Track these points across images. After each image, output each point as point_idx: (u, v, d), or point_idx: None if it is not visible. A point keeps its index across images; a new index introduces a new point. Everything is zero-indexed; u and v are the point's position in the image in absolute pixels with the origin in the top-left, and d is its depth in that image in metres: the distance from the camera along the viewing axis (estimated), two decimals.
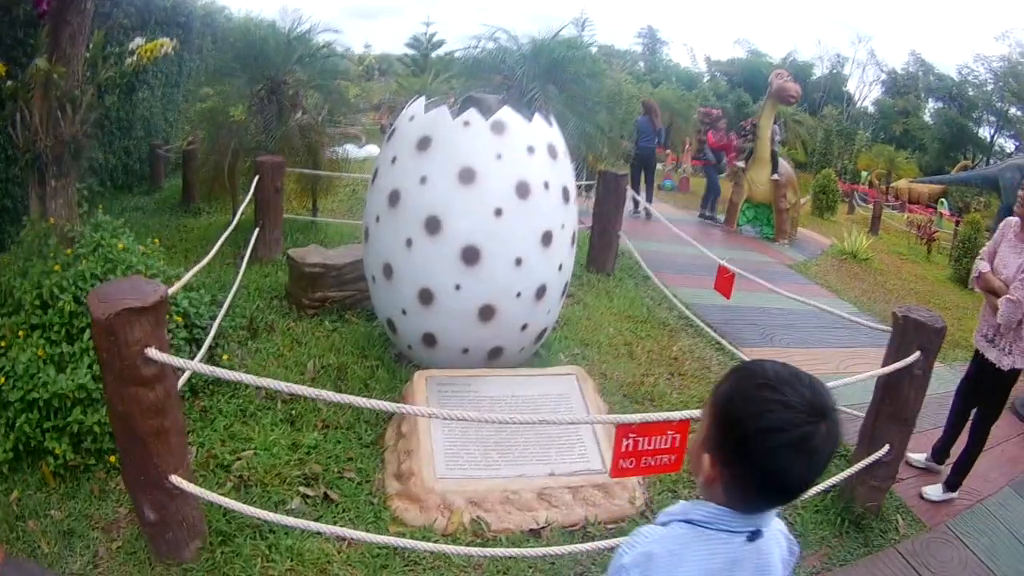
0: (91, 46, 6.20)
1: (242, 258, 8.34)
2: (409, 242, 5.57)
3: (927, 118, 47.83)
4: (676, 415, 3.65)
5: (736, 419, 1.52)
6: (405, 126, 5.88)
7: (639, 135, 15.85)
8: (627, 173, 11.19)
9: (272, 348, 6.66)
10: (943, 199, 28.45)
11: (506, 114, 5.67)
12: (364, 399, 3.49)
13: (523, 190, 5.56)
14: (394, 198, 5.67)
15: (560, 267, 6.03)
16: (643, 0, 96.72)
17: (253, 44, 10.40)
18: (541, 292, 5.86)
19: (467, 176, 5.46)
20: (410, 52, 48.24)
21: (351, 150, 18.18)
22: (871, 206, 23.86)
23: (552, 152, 5.90)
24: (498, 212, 5.48)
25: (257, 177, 8.86)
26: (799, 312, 10.03)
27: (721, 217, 17.10)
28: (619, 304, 9.17)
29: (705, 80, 48.07)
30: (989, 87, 43.84)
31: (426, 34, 48.22)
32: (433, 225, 5.48)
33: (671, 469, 3.79)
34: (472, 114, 5.62)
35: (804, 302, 7.51)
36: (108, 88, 7.67)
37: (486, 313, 5.68)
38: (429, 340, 5.88)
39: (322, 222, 11.37)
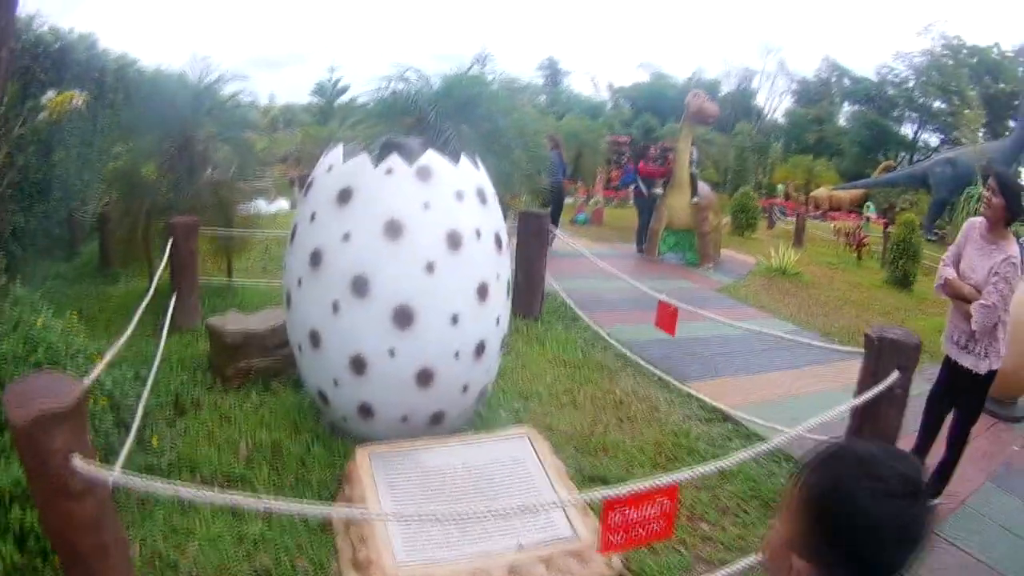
0: (4, 100, 5.54)
1: (161, 327, 7.72)
2: (335, 306, 5.03)
3: (843, 122, 48.32)
4: (664, 479, 3.41)
5: (837, 516, 1.38)
6: (323, 178, 5.37)
7: (552, 170, 15.38)
8: (548, 212, 10.62)
9: (201, 427, 6.13)
10: (868, 203, 28.50)
11: (431, 158, 5.20)
12: (325, 507, 3.50)
13: (454, 240, 5.08)
14: (316, 258, 5.13)
15: (498, 320, 5.56)
16: (543, 32, 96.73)
17: (161, 97, 9.76)
18: (480, 349, 5.38)
19: (394, 229, 4.95)
20: (315, 100, 47.71)
21: (262, 205, 17.69)
22: (792, 219, 24.06)
23: (481, 196, 5.44)
24: (429, 267, 4.98)
25: (171, 240, 8.27)
26: (738, 338, 9.66)
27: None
28: (553, 349, 8.60)
29: (609, 108, 47.73)
30: (911, 83, 44.28)
31: (331, 80, 47.72)
32: (360, 285, 4.95)
33: (662, 536, 3.55)
34: (395, 160, 5.12)
35: (740, 328, 7.31)
36: (21, 146, 7.10)
37: (424, 377, 5.15)
38: (365, 411, 5.33)
39: (238, 284, 10.70)
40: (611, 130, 35.13)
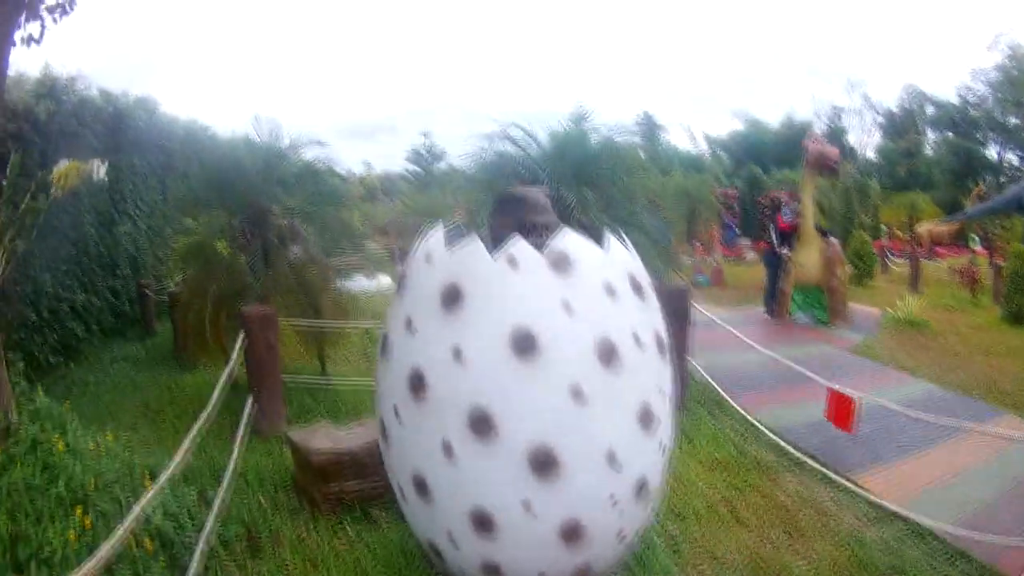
0: (7, 171, 5.06)
1: (236, 433, 6.53)
2: (447, 447, 3.59)
3: (929, 151, 46.45)
4: None
5: None
6: (420, 272, 3.96)
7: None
8: (688, 286, 8.85)
9: (280, 572, 4.92)
10: (972, 235, 26.66)
11: (569, 241, 3.74)
12: None
13: (608, 353, 3.61)
14: (417, 382, 3.69)
15: (663, 448, 4.03)
16: (628, 86, 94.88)
17: (226, 167, 8.48)
18: (642, 488, 3.87)
19: (525, 344, 3.49)
20: (411, 167, 46.81)
21: (361, 283, 16.20)
22: (900, 259, 23.35)
23: (637, 287, 3.96)
24: (576, 393, 3.51)
25: (244, 334, 6.93)
26: (888, 412, 8.12)
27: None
28: (702, 448, 7.23)
29: (707, 158, 46.20)
30: (989, 102, 42.42)
31: (425, 145, 46.76)
32: (481, 422, 3.50)
33: None
34: (519, 247, 3.67)
35: (891, 408, 6.37)
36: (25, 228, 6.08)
37: (570, 532, 3.66)
38: (491, 570, 3.84)
39: (332, 382, 8.97)
40: (718, 183, 33.47)
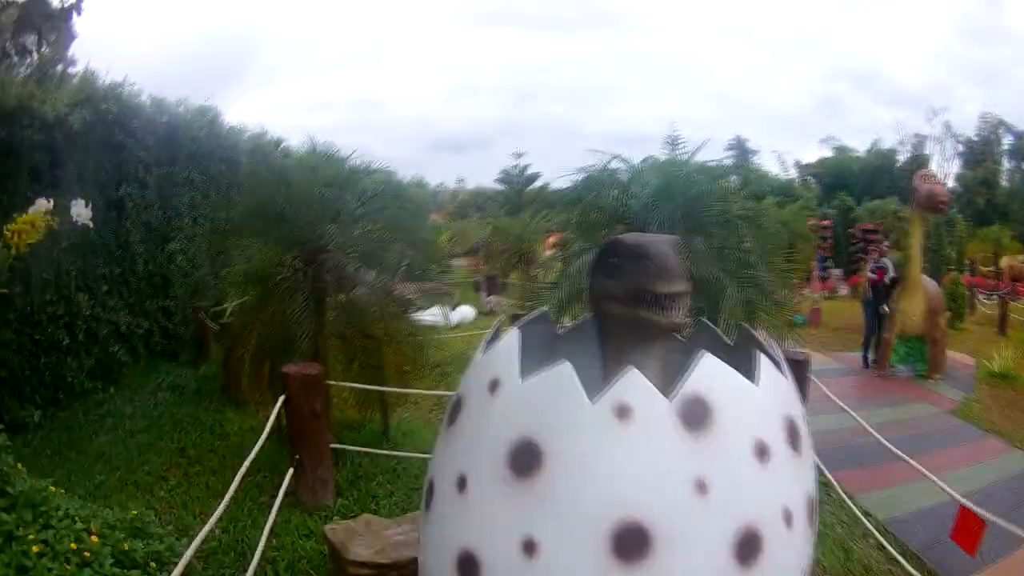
0: None
1: (270, 510, 5.37)
2: None
3: (1004, 183, 44.64)
4: None
5: None
6: (480, 405, 2.68)
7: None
8: (804, 355, 7.25)
9: None
10: None
11: (710, 377, 2.44)
12: None
13: (749, 547, 2.35)
14: (470, 570, 2.45)
15: None
16: (715, 111, 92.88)
17: (271, 197, 7.17)
18: None
19: (632, 542, 2.23)
20: (501, 188, 45.57)
21: (442, 314, 14.94)
22: (985, 297, 22.35)
23: (794, 439, 2.64)
24: None
25: (284, 397, 5.78)
26: (992, 495, 7.25)
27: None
28: None
29: (797, 185, 44.48)
30: None
31: (516, 167, 45.44)
32: None
33: None
34: (634, 387, 2.36)
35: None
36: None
37: None
38: None
39: (394, 452, 7.34)
40: (811, 213, 31.85)
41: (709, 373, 2.42)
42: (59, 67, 9.34)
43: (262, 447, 5.33)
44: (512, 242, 22.79)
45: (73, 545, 3.77)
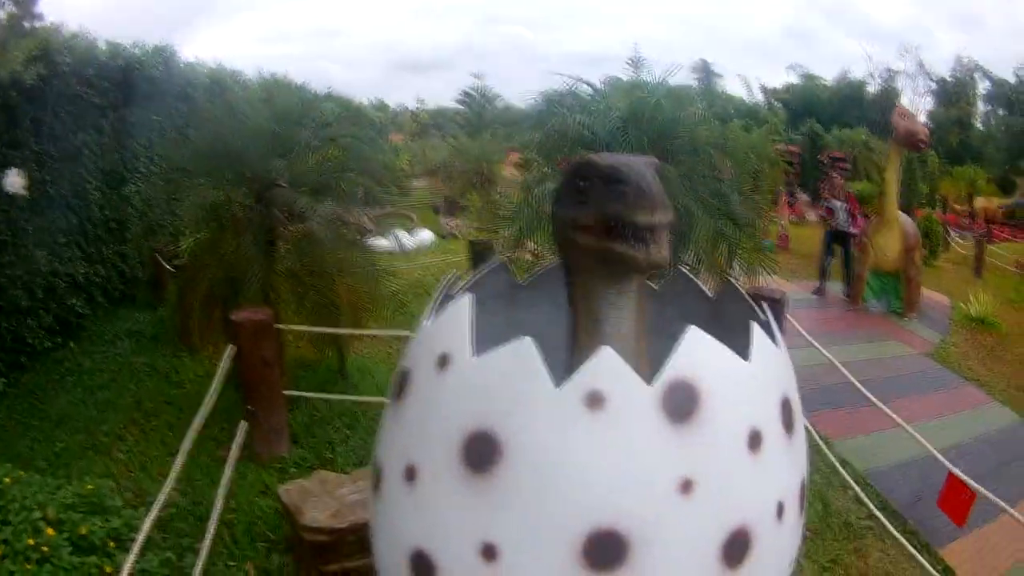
0: None
1: (227, 461, 5.26)
2: None
3: (979, 125, 44.80)
4: None
5: None
6: (427, 384, 2.36)
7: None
8: (782, 294, 6.95)
9: None
10: None
11: (698, 357, 2.14)
12: None
13: (738, 549, 2.11)
14: (424, 572, 2.19)
15: None
16: (682, 35, 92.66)
17: (222, 133, 6.83)
18: None
19: (608, 552, 1.96)
20: (461, 108, 45.35)
21: (402, 239, 14.65)
22: (958, 236, 22.36)
23: (789, 423, 2.37)
24: None
25: (232, 347, 5.49)
26: (974, 450, 7.32)
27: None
28: None
29: (763, 110, 44.32)
30: None
31: (477, 88, 45.16)
32: None
33: None
34: (607, 370, 2.05)
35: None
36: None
37: None
38: None
39: (349, 396, 7.17)
40: (778, 138, 31.54)
41: (697, 352, 2.11)
42: (26, 24, 9.04)
43: (218, 396, 5.25)
44: (472, 162, 22.45)
45: (31, 541, 3.77)
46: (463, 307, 2.33)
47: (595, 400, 1.99)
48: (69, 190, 8.73)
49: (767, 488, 2.18)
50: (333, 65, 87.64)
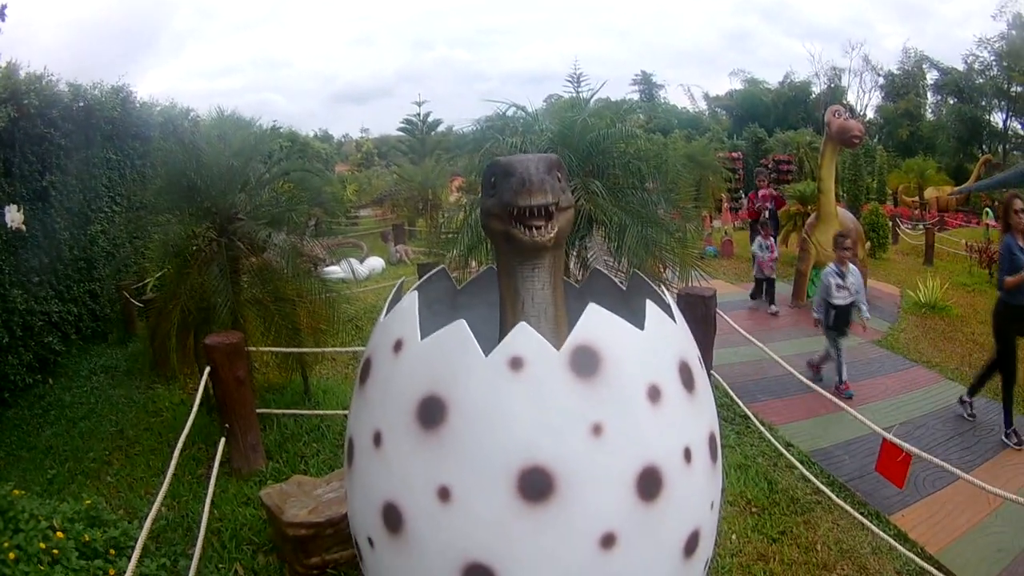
0: None
1: (209, 478, 5.61)
2: None
3: (930, 115, 45.65)
4: None
5: None
6: (387, 365, 2.86)
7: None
8: (712, 292, 7.51)
9: None
10: (987, 209, 25.55)
11: (597, 327, 2.64)
12: None
13: (650, 484, 2.56)
14: (393, 520, 2.65)
15: (707, 565, 3.04)
16: (622, 48, 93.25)
17: (181, 170, 7.22)
18: None
19: (536, 484, 2.44)
20: (405, 137, 45.82)
21: (355, 267, 15.15)
22: (911, 228, 22.73)
23: (689, 382, 2.87)
24: (607, 540, 2.49)
25: (209, 369, 5.93)
26: (921, 424, 7.72)
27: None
28: (734, 483, 6.23)
29: (706, 118, 45.04)
30: (994, 70, 41.61)
31: (419, 115, 45.64)
32: None
33: None
34: (525, 339, 2.56)
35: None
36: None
37: None
38: None
39: (316, 412, 7.74)
40: (720, 144, 32.16)
41: (596, 322, 2.62)
42: None
43: (194, 420, 5.53)
44: (417, 189, 22.88)
45: (42, 545, 3.98)
46: (411, 303, 2.89)
47: (517, 364, 2.50)
48: (40, 230, 8.93)
49: (670, 434, 2.66)
50: (277, 96, 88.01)
